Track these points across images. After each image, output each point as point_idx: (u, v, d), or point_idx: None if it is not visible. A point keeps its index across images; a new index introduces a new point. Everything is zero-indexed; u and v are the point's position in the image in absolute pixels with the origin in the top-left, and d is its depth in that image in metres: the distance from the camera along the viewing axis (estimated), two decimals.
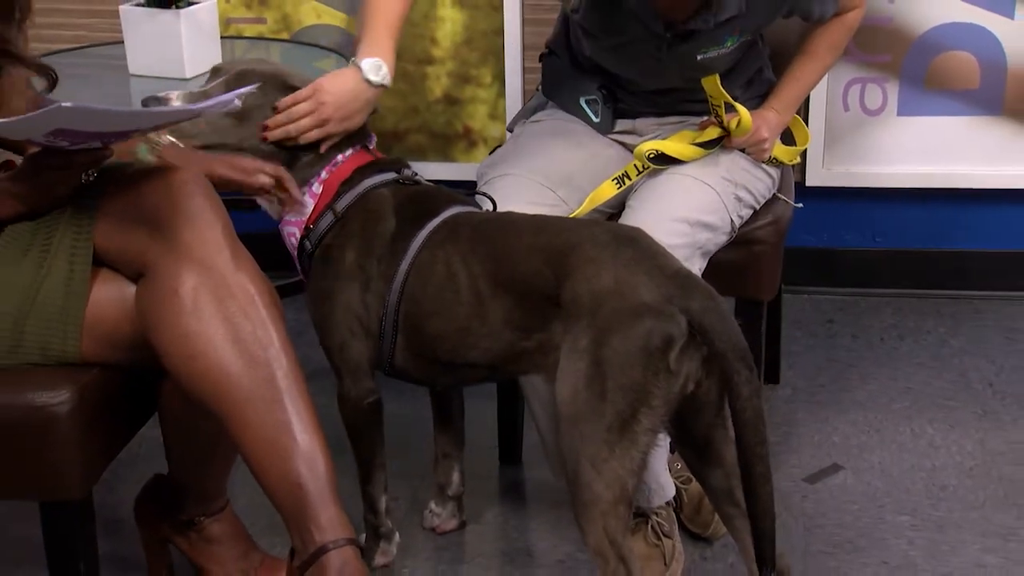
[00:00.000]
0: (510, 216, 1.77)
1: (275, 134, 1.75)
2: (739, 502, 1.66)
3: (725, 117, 1.89)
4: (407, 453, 2.16)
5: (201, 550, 1.77)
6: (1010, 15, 2.57)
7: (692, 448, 1.68)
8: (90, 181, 1.53)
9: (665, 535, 1.90)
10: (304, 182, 1.78)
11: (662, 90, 1.97)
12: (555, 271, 1.61)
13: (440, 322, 1.70)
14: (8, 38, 1.52)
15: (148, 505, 1.80)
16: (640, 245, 1.63)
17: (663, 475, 1.88)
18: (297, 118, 1.75)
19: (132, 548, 1.88)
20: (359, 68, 1.79)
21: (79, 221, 1.51)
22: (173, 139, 1.71)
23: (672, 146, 1.89)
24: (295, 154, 1.78)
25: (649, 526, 1.89)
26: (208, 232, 1.48)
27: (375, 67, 1.79)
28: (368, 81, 1.78)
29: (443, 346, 1.71)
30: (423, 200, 1.78)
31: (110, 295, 1.50)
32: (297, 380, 1.47)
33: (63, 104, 1.31)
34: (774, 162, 1.98)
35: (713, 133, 1.91)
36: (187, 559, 1.79)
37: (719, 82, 1.86)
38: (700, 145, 1.90)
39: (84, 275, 1.49)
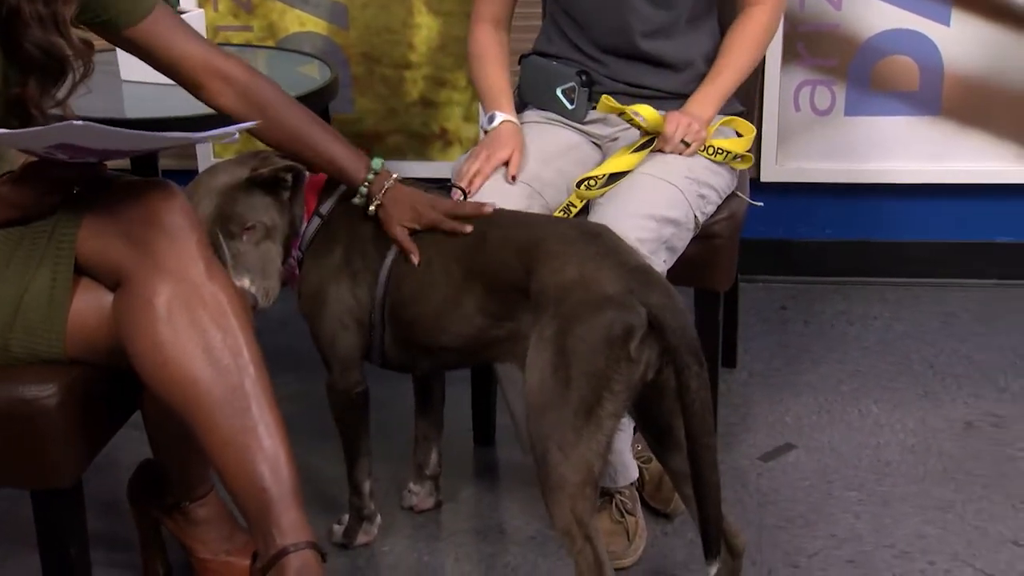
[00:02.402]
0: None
1: None
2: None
3: (639, 122, 1.87)
4: (386, 437, 2.11)
5: (187, 531, 1.73)
6: (946, 23, 2.57)
7: (654, 433, 1.66)
8: (80, 191, 1.49)
9: (628, 512, 1.87)
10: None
11: (625, 54, 1.94)
12: (524, 264, 1.59)
13: (417, 307, 1.68)
14: (41, 104, 1.48)
15: (139, 488, 1.77)
16: (604, 240, 1.61)
17: (627, 457, 1.85)
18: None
19: (128, 528, 1.84)
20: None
21: (63, 231, 1.47)
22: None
23: (610, 163, 1.87)
24: (296, 191, 1.74)
25: (613, 504, 1.87)
26: (183, 244, 1.44)
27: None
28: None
29: (420, 329, 1.69)
30: None
31: (90, 304, 1.46)
32: (265, 388, 1.43)
33: (74, 122, 1.28)
34: (728, 156, 1.93)
35: (643, 139, 1.89)
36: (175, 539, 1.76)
37: (612, 100, 1.87)
38: (636, 151, 1.87)
39: (66, 284, 1.45)
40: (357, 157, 1.71)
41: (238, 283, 1.60)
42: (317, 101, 2.29)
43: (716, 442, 1.55)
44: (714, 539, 1.56)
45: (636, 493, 1.92)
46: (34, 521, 1.51)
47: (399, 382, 1.96)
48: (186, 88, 1.66)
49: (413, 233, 1.69)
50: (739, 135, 1.97)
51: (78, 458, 1.48)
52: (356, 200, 1.70)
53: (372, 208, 1.69)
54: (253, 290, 1.65)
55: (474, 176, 1.84)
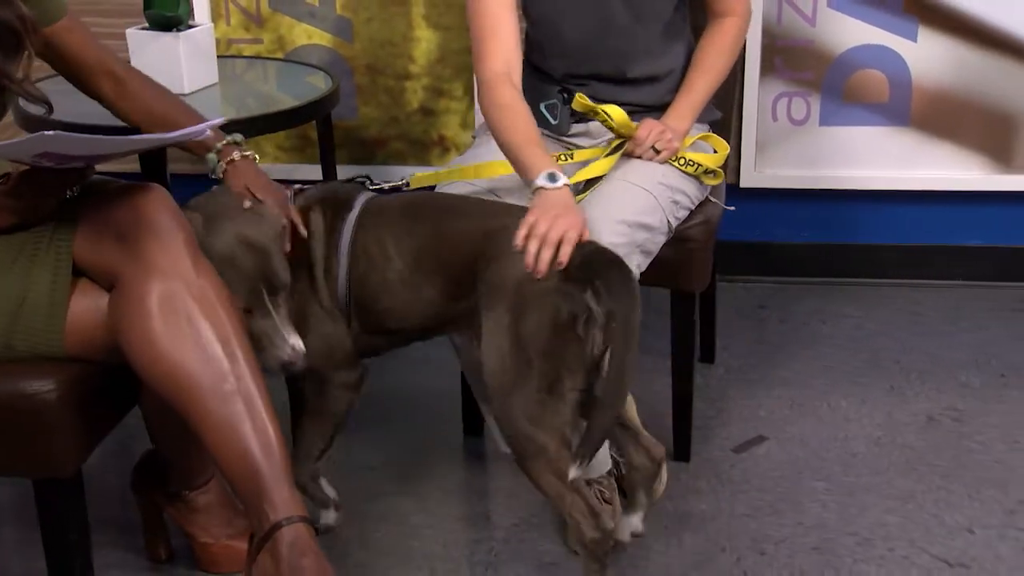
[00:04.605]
0: (435, 197, 1.72)
1: None
2: (628, 425, 1.74)
3: (610, 122, 1.84)
4: (383, 424, 2.10)
5: (189, 518, 1.72)
6: (913, 39, 2.55)
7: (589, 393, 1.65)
8: (74, 196, 1.48)
9: (606, 501, 1.85)
10: None
11: (608, 78, 1.89)
12: (479, 254, 1.60)
13: (386, 300, 1.66)
14: (10, 73, 1.47)
15: (142, 476, 1.76)
16: None
17: (600, 451, 1.83)
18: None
19: (135, 513, 1.83)
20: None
21: (61, 236, 1.46)
22: (254, 154, 1.69)
23: (586, 171, 1.83)
24: None
25: (592, 493, 1.84)
26: (171, 243, 1.43)
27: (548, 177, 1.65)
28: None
29: (391, 318, 1.68)
30: (335, 196, 1.72)
31: (87, 306, 1.45)
32: (253, 373, 1.42)
33: (45, 133, 1.28)
34: (699, 170, 1.90)
35: (615, 142, 1.86)
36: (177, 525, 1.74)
37: (585, 99, 1.83)
38: (608, 155, 1.84)
39: (65, 287, 1.45)
40: (214, 132, 1.68)
41: (292, 341, 1.55)
42: (320, 109, 2.28)
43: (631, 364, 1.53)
44: (589, 447, 1.54)
45: (614, 483, 1.89)
46: (36, 509, 1.50)
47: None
48: (77, 82, 1.67)
49: (358, 232, 1.65)
50: (715, 151, 1.94)
51: (78, 449, 1.47)
52: (208, 159, 1.67)
53: (221, 168, 1.66)
54: (300, 346, 1.57)
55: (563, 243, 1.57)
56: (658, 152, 1.84)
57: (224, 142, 1.67)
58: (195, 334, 1.39)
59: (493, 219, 1.63)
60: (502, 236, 1.58)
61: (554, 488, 1.56)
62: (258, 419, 1.39)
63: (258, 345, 1.53)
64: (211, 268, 1.46)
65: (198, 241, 1.49)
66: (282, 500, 1.38)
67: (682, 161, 1.87)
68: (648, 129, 1.84)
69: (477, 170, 1.81)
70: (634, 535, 1.81)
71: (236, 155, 1.65)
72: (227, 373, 1.39)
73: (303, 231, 1.64)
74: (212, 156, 1.67)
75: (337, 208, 1.69)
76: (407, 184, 1.78)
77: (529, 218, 1.58)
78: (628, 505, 1.81)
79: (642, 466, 1.76)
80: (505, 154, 1.74)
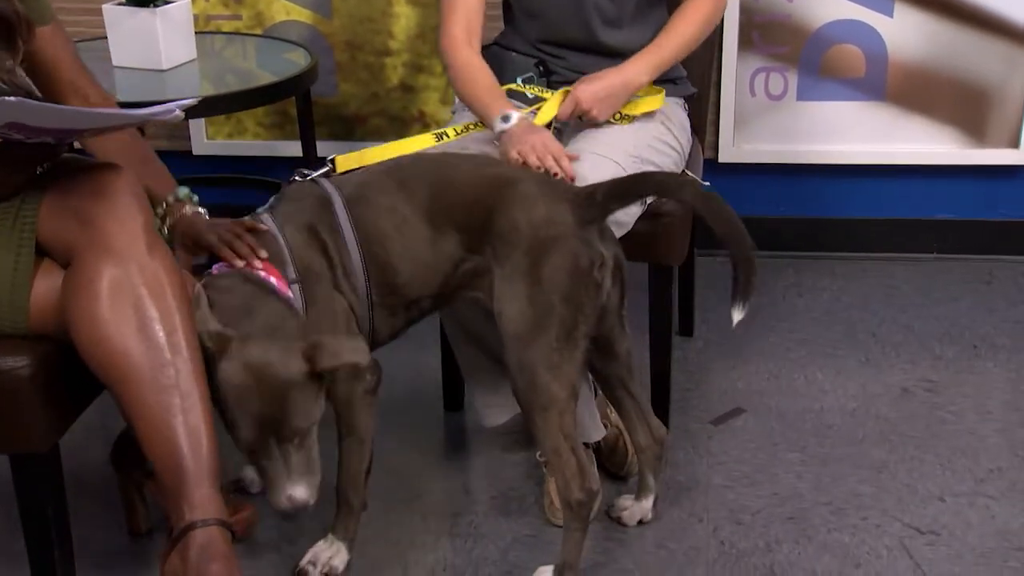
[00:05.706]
0: (417, 156, 1.70)
1: None
2: (628, 387, 1.74)
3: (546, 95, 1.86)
4: None
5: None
6: (889, 14, 2.53)
7: (594, 344, 1.64)
8: (43, 172, 1.45)
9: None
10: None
11: (581, 46, 1.89)
12: (492, 200, 1.58)
13: (407, 266, 1.61)
14: (4, 65, 1.43)
15: (121, 453, 1.73)
16: (552, 179, 1.65)
17: (586, 419, 1.82)
18: None
19: (114, 489, 1.81)
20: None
21: (25, 215, 1.43)
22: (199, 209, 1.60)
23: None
24: None
25: (585, 455, 1.83)
26: (129, 225, 1.39)
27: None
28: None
29: (412, 286, 1.62)
30: (297, 204, 1.61)
31: (50, 287, 1.42)
32: (195, 367, 1.37)
33: (8, 99, 1.24)
34: (629, 119, 1.86)
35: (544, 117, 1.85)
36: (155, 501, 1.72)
37: (520, 84, 1.87)
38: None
39: (27, 268, 1.41)
40: (165, 184, 1.61)
41: (291, 492, 1.40)
42: (299, 85, 2.25)
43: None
44: (744, 283, 1.62)
45: (593, 456, 1.88)
46: (13, 484, 1.48)
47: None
48: (45, 94, 1.58)
49: (354, 209, 1.57)
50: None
51: (53, 425, 1.45)
52: (156, 215, 1.56)
53: (165, 229, 1.57)
54: (308, 496, 1.41)
55: (556, 159, 1.67)
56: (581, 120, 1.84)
57: (168, 201, 1.58)
58: (140, 321, 1.35)
59: (489, 168, 1.62)
60: (509, 187, 1.57)
61: (554, 443, 1.57)
62: (191, 415, 1.34)
63: (264, 479, 1.43)
64: (168, 254, 1.42)
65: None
66: (201, 501, 1.33)
67: (618, 116, 1.86)
68: (567, 112, 1.83)
69: (398, 147, 1.78)
70: (642, 522, 1.81)
71: (172, 216, 1.57)
72: (167, 364, 1.35)
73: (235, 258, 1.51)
74: (156, 222, 1.54)
75: (314, 210, 1.59)
76: (332, 164, 1.70)
77: (512, 156, 1.68)
78: (639, 490, 1.82)
79: (647, 447, 1.78)
80: (470, 108, 1.85)
